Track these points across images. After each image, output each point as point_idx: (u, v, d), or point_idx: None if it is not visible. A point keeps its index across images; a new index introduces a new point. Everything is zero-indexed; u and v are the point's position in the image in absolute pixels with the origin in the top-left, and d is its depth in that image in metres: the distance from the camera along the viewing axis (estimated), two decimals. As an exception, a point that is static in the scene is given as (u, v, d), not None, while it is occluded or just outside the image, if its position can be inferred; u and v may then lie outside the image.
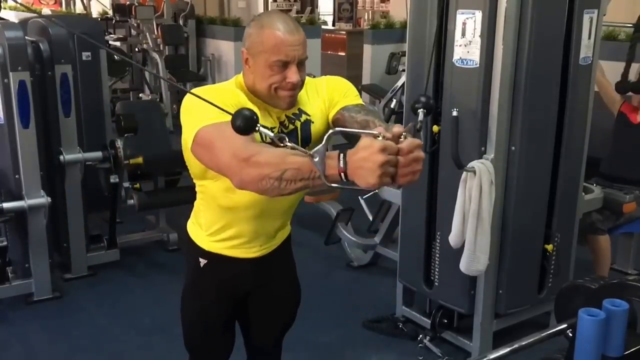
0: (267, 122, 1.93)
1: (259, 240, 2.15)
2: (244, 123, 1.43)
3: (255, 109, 1.85)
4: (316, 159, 1.44)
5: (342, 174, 1.42)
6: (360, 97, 2.11)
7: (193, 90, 1.91)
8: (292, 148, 1.47)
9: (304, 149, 1.48)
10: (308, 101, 2.03)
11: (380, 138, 1.39)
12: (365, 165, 1.38)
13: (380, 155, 1.36)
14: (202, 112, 1.76)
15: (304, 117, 2.02)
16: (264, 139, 1.80)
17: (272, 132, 1.65)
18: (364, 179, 1.39)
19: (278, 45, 1.83)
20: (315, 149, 1.45)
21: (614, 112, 4.18)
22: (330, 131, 1.54)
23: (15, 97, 3.69)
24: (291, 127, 2.00)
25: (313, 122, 2.03)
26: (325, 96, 2.05)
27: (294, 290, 2.40)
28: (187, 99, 1.89)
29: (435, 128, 3.14)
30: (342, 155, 1.42)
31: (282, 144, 1.46)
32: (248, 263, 2.15)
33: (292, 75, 1.86)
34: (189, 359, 2.40)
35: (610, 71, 4.37)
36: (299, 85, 1.91)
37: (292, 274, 2.39)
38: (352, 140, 1.65)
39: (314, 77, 2.17)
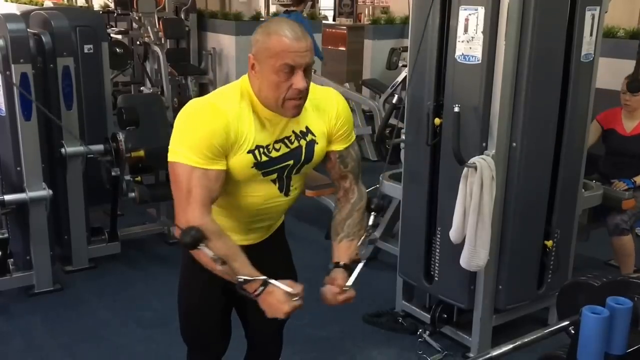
0: (261, 139, 1.95)
1: (253, 234, 2.18)
2: (190, 241, 1.78)
3: (253, 126, 1.93)
4: (240, 280, 1.83)
5: (254, 296, 1.84)
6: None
7: (192, 103, 1.95)
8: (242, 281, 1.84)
9: (233, 270, 1.83)
10: (315, 119, 2.04)
11: (296, 298, 1.84)
12: (269, 308, 1.85)
13: (284, 314, 1.84)
14: (187, 141, 1.88)
15: (309, 137, 2.04)
16: (259, 158, 1.95)
17: (267, 152, 1.96)
18: (265, 310, 1.87)
19: (285, 51, 1.83)
20: (242, 277, 1.83)
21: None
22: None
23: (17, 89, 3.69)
24: (296, 144, 2.02)
25: (317, 143, 2.06)
26: (333, 126, 2.08)
27: (290, 277, 2.41)
28: (186, 110, 1.93)
29: (437, 120, 3.14)
30: (261, 288, 1.83)
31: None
32: (242, 249, 2.17)
33: (299, 81, 1.85)
34: (187, 351, 2.42)
35: (610, 68, 4.38)
36: (306, 92, 1.91)
37: (287, 260, 2.41)
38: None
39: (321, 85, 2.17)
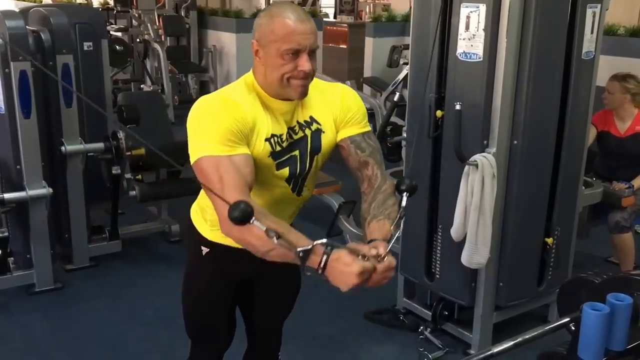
0: (275, 128, 1.94)
1: None
2: (240, 215, 1.52)
3: (266, 116, 1.91)
4: (301, 255, 1.60)
5: (319, 270, 1.60)
6: (362, 90, 2.12)
7: (202, 100, 1.92)
8: (280, 244, 1.59)
9: (290, 243, 1.60)
10: (320, 109, 2.02)
11: (361, 257, 1.59)
12: (340, 277, 1.58)
13: (356, 277, 1.56)
14: (206, 135, 1.82)
15: (315, 126, 2.01)
16: (275, 147, 1.89)
17: (281, 142, 1.91)
18: (336, 284, 1.60)
19: (289, 34, 1.82)
20: (302, 248, 1.60)
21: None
22: (324, 244, 1.62)
23: (17, 87, 3.68)
24: (300, 134, 2.00)
25: (324, 132, 2.03)
26: (338, 113, 2.04)
27: (294, 274, 2.41)
28: (197, 107, 1.90)
29: (438, 113, 3.14)
30: (325, 256, 1.59)
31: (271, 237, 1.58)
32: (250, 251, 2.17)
33: (304, 63, 1.85)
34: (191, 347, 2.42)
35: (610, 66, 4.37)
36: (311, 74, 1.89)
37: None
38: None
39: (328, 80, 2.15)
